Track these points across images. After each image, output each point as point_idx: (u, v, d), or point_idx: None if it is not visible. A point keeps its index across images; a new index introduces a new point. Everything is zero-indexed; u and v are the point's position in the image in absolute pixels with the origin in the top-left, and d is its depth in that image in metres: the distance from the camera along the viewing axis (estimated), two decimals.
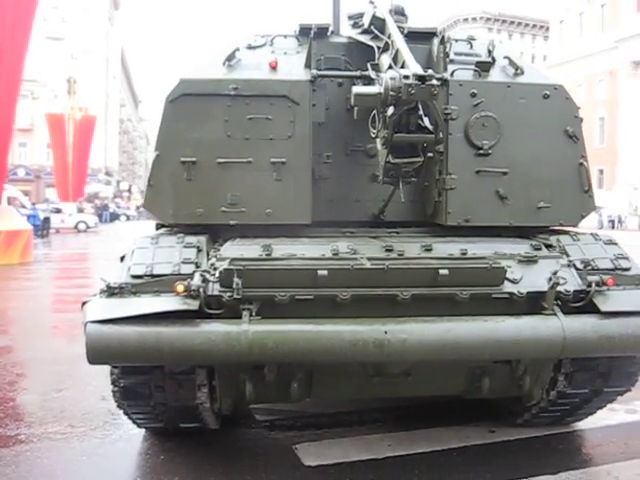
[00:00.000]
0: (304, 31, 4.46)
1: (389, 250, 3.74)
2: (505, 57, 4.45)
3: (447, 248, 3.83)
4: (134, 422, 4.23)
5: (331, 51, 4.39)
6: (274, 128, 4.07)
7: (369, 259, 3.55)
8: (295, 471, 3.96)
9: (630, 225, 40.97)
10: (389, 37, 3.95)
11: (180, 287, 3.30)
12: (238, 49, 4.24)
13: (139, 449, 4.34)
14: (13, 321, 9.61)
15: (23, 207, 26.26)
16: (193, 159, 4.02)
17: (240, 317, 3.35)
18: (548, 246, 4.08)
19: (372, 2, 4.58)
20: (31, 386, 5.92)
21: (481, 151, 4.19)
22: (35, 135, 52.92)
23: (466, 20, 71.64)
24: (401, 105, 3.32)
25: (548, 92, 4.30)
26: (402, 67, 3.47)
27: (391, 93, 3.23)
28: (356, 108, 3.55)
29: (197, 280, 3.37)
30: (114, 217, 48.23)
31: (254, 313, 3.34)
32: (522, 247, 3.97)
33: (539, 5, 59.27)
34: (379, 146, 3.76)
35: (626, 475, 3.98)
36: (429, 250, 3.79)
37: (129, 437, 4.52)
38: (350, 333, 3.34)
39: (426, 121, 3.51)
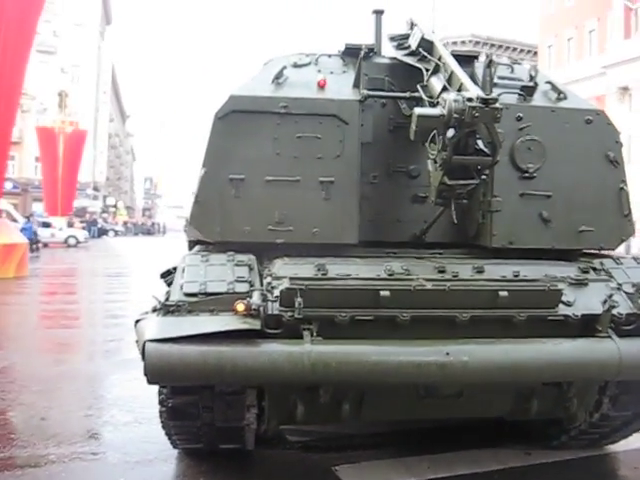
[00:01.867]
0: (349, 51, 4.49)
1: (442, 271, 3.73)
2: (547, 82, 4.50)
3: (498, 270, 3.83)
4: (172, 442, 4.17)
5: (375, 71, 4.39)
6: (323, 147, 4.07)
7: (427, 280, 3.54)
8: None
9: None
10: (439, 59, 3.98)
11: (240, 306, 3.27)
12: (285, 67, 4.24)
13: (176, 471, 4.28)
14: (18, 337, 9.48)
15: (14, 221, 25.98)
16: (241, 176, 4.00)
17: (299, 337, 3.32)
18: (593, 269, 4.10)
19: (414, 24, 4.63)
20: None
21: (526, 174, 4.23)
22: (24, 148, 52.48)
23: (455, 43, 72.23)
24: (463, 128, 3.33)
25: (591, 117, 4.35)
26: (459, 90, 3.50)
27: (454, 115, 3.25)
28: (413, 129, 3.54)
29: (257, 299, 3.34)
30: (102, 232, 47.93)
31: (315, 333, 3.31)
32: (570, 270, 3.99)
33: (527, 30, 60.19)
34: (431, 167, 3.76)
35: None
36: (481, 272, 3.79)
37: (165, 458, 4.44)
38: (412, 354, 3.33)
39: (480, 144, 3.54)
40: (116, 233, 51.57)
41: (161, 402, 3.66)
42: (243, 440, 3.95)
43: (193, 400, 3.58)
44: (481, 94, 3.29)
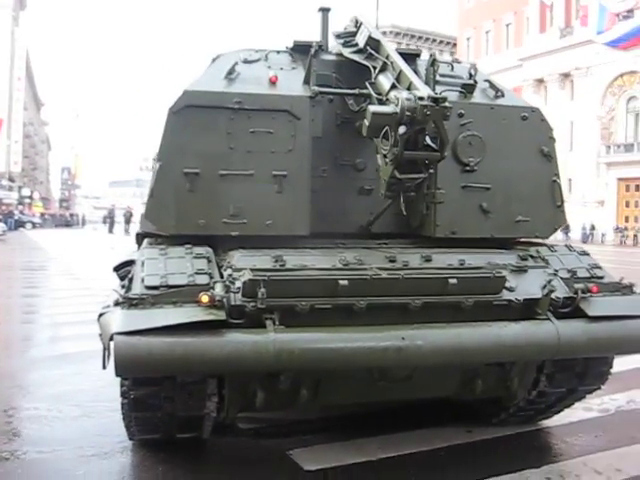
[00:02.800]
0: (298, 47, 4.60)
1: (392, 261, 3.93)
2: (485, 80, 4.74)
3: (445, 259, 4.05)
4: (130, 433, 4.21)
5: (322, 68, 4.50)
6: (275, 142, 4.18)
7: (381, 269, 3.72)
8: (298, 476, 4.07)
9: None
10: (387, 58, 4.15)
11: (205, 298, 3.35)
12: (237, 63, 4.31)
13: (134, 462, 4.31)
14: None
15: None
16: (196, 170, 4.06)
17: (261, 326, 3.44)
18: (531, 257, 4.38)
19: (358, 22, 4.79)
20: None
21: (467, 167, 4.46)
22: None
23: (398, 34, 73.13)
24: (414, 125, 3.52)
25: (526, 114, 4.63)
26: (409, 88, 3.69)
27: (407, 113, 3.43)
28: (366, 125, 3.69)
29: (220, 290, 3.43)
30: (19, 224, 46.13)
31: (277, 322, 3.44)
32: (510, 258, 4.25)
33: (446, 22, 61.61)
34: (380, 162, 3.95)
35: (601, 465, 4.32)
36: (429, 260, 4.01)
37: (121, 450, 4.46)
38: (371, 340, 3.51)
39: (428, 140, 3.75)
40: (34, 225, 49.69)
41: (123, 394, 3.70)
42: (201, 429, 4.03)
43: (155, 391, 3.63)
44: (431, 93, 3.48)
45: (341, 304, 3.57)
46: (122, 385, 3.69)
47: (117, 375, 3.31)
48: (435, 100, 3.45)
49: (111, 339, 3.27)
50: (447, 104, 3.48)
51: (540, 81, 42.05)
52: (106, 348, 3.49)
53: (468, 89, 4.56)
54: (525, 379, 4.37)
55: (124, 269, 4.37)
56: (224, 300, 3.40)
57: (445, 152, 3.80)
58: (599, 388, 4.63)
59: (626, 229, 40.40)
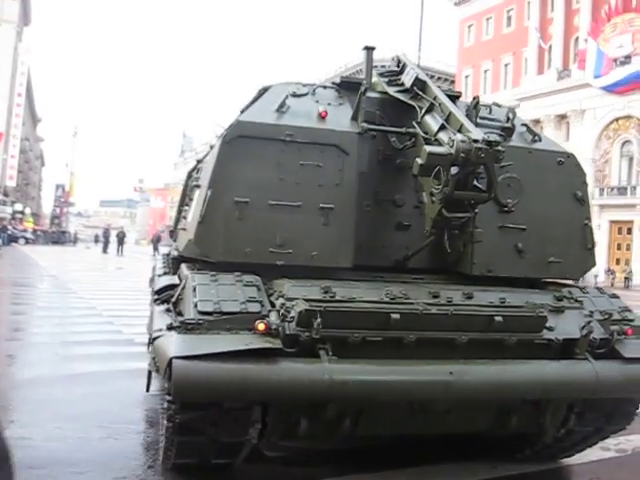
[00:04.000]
0: (345, 84, 4.75)
1: (436, 296, 4.02)
2: (523, 124, 4.90)
3: (486, 296, 4.15)
4: (166, 457, 4.23)
5: (367, 105, 4.65)
6: (324, 175, 4.29)
7: (428, 304, 3.82)
8: None
9: None
10: (434, 99, 4.29)
11: (261, 326, 3.43)
12: (288, 96, 4.44)
13: None
14: None
15: None
16: (246, 199, 4.16)
17: (313, 356, 3.51)
18: (564, 297, 4.49)
19: (400, 61, 4.95)
20: None
21: (505, 208, 4.58)
22: None
23: (375, 67, 73.74)
24: (467, 166, 3.64)
25: (562, 159, 4.79)
26: (459, 130, 3.82)
27: (461, 155, 3.56)
28: (418, 164, 3.81)
29: (275, 319, 3.51)
30: (12, 239, 45.90)
31: (330, 352, 3.51)
32: (546, 298, 4.36)
33: (445, 59, 62.49)
34: (426, 200, 4.07)
35: None
36: (470, 297, 4.11)
37: (154, 473, 4.49)
38: (421, 374, 3.60)
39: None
40: (27, 241, 49.46)
41: (169, 418, 3.74)
42: (238, 455, 4.07)
43: (201, 416, 3.67)
44: (485, 137, 3.62)
45: (391, 337, 3.66)
46: (168, 409, 3.73)
47: (175, 399, 3.35)
48: (489, 143, 3.58)
49: (169, 363, 3.32)
50: (500, 148, 3.62)
51: (537, 121, 42.62)
52: (157, 371, 3.55)
53: (507, 132, 4.70)
54: (556, 417, 4.45)
55: (166, 293, 4.45)
56: (279, 329, 3.47)
57: (493, 193, 3.92)
58: (624, 428, 4.72)
59: (614, 272, 40.61)
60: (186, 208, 6.02)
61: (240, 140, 4.18)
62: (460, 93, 5.04)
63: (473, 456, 5.06)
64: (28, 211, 78.09)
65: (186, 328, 3.49)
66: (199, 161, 7.02)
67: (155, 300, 4.73)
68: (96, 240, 60.96)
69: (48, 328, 10.64)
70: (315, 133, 4.31)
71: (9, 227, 49.15)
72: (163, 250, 40.82)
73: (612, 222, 41.72)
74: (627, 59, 39.03)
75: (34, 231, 59.33)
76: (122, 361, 8.12)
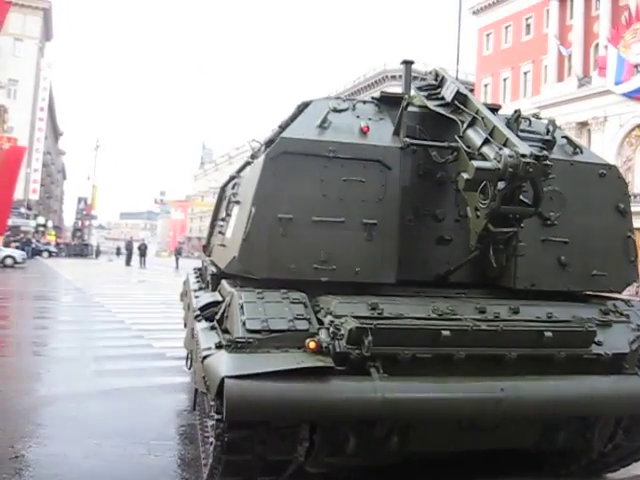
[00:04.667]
0: (384, 99, 4.75)
1: (482, 312, 3.99)
2: (563, 137, 4.86)
3: (533, 311, 4.11)
4: (210, 475, 4.22)
5: (407, 119, 4.64)
6: (367, 190, 4.28)
7: (476, 320, 3.78)
8: None
9: None
10: (477, 113, 4.27)
11: (312, 344, 3.42)
12: (329, 112, 4.44)
13: None
14: None
15: None
16: (290, 216, 4.15)
17: (363, 373, 3.49)
18: (610, 311, 4.43)
19: (438, 75, 4.93)
20: None
21: (548, 222, 4.55)
22: None
23: (394, 77, 73.93)
24: (515, 181, 3.62)
25: (604, 171, 4.75)
26: (504, 145, 3.79)
27: (509, 170, 3.53)
28: (464, 179, 3.79)
29: (326, 337, 3.50)
30: (35, 252, 46.33)
31: (380, 370, 3.49)
32: (592, 312, 4.32)
33: (464, 68, 62.37)
34: (471, 214, 4.05)
35: None
36: (517, 312, 4.06)
37: None
38: (473, 390, 3.57)
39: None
40: (50, 254, 49.89)
41: (217, 436, 3.72)
42: (284, 473, 4.05)
43: (249, 434, 3.67)
44: (533, 151, 3.59)
45: (441, 354, 3.63)
46: (217, 427, 3.72)
47: (228, 418, 3.34)
48: (537, 158, 3.56)
49: (221, 382, 3.31)
50: (548, 162, 3.59)
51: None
52: (207, 389, 3.54)
53: (548, 145, 4.65)
54: (604, 432, 4.38)
55: (209, 310, 4.45)
56: (330, 347, 3.46)
57: (539, 208, 3.88)
58: None
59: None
60: (222, 223, 6.04)
61: (284, 156, 4.19)
62: (500, 106, 5.01)
63: (516, 472, 5.00)
64: (50, 224, 78.85)
65: (236, 347, 3.49)
66: (233, 176, 7.06)
67: (196, 317, 4.73)
68: (118, 252, 61.38)
69: (78, 342, 10.70)
70: (358, 149, 4.30)
71: (33, 240, 49.65)
72: (184, 262, 40.81)
73: (636, 230, 41.22)
74: None
75: (57, 244, 59.85)
76: (155, 376, 8.14)
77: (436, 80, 5.02)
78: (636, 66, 39.65)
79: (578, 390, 3.79)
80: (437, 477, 4.84)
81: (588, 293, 4.93)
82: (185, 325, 8.69)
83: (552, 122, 4.81)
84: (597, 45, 43.51)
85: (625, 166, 41.52)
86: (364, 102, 4.80)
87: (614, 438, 4.39)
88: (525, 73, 49.90)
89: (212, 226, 8.04)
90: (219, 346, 3.60)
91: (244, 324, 3.63)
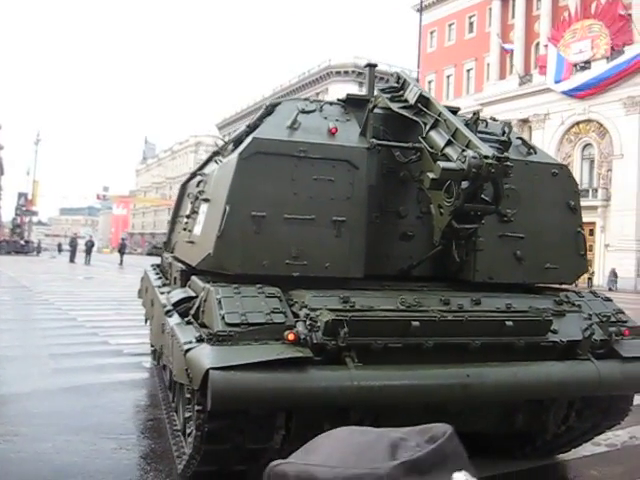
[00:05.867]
0: (350, 100, 4.94)
1: (447, 303, 4.23)
2: (518, 137, 5.16)
3: (493, 302, 4.38)
4: (188, 465, 4.34)
5: (372, 121, 4.84)
6: (335, 189, 4.47)
7: (441, 311, 4.02)
8: None
9: None
10: (439, 115, 4.50)
11: (291, 336, 3.59)
12: (298, 113, 4.61)
13: None
14: None
15: None
16: (262, 213, 4.31)
17: (338, 363, 3.68)
18: (563, 302, 4.74)
19: (400, 78, 5.15)
20: None
21: (505, 218, 4.82)
22: None
23: (338, 73, 74.39)
24: (478, 181, 3.86)
25: (556, 170, 5.06)
26: (467, 146, 4.04)
27: (473, 170, 3.77)
28: (429, 179, 4.02)
29: (303, 329, 3.67)
30: None
31: (355, 360, 3.68)
32: (547, 302, 4.61)
33: (408, 64, 63.27)
34: (434, 212, 4.29)
35: None
36: (478, 304, 4.33)
37: None
38: (440, 377, 3.80)
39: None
40: None
41: (197, 427, 3.86)
42: (259, 461, 4.20)
43: (228, 424, 3.81)
44: (496, 153, 3.84)
45: (411, 343, 3.85)
46: (197, 418, 3.85)
47: (212, 407, 3.47)
48: (498, 159, 3.81)
49: (206, 374, 3.44)
50: (508, 163, 3.85)
51: None
52: (190, 383, 3.67)
53: (505, 146, 4.92)
54: (558, 414, 4.69)
55: (183, 305, 4.57)
56: (307, 338, 3.64)
57: (499, 205, 4.14)
58: (619, 423, 4.99)
59: None
60: (186, 220, 6.14)
61: (256, 156, 4.33)
62: (459, 108, 5.27)
63: (473, 455, 5.26)
64: None
65: (217, 340, 3.63)
66: (195, 173, 7.15)
67: (167, 312, 4.84)
68: (59, 249, 59.98)
69: (31, 340, 10.57)
70: (327, 149, 4.48)
71: None
72: (127, 258, 40.20)
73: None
74: (587, 64, 40.09)
75: None
76: (115, 372, 8.17)
77: (398, 83, 5.24)
78: (575, 65, 41.04)
79: (536, 375, 4.07)
80: None
81: (541, 285, 5.25)
82: (146, 321, 8.74)
83: (508, 124, 5.09)
84: (538, 44, 44.87)
85: (565, 162, 42.89)
86: (330, 104, 4.98)
87: (567, 420, 4.70)
88: (468, 70, 51.06)
89: (173, 222, 8.11)
90: (200, 339, 3.73)
91: (223, 318, 3.76)
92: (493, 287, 4.81)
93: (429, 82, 55.47)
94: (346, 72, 72.58)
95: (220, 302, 3.90)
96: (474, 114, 4.84)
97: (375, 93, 5.19)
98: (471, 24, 51.15)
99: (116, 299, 17.48)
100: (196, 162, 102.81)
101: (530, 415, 4.56)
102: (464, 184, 3.91)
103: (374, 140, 4.57)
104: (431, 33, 54.93)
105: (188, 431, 4.37)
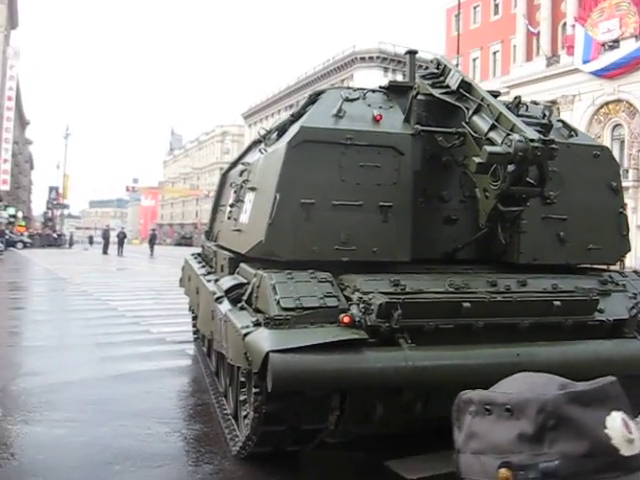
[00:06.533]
0: (393, 87, 5.03)
1: (494, 285, 4.31)
2: (559, 120, 5.19)
3: (539, 283, 4.45)
4: (243, 446, 4.50)
5: (413, 107, 4.92)
6: (382, 175, 4.56)
7: (489, 292, 4.11)
8: None
9: None
10: (482, 100, 4.56)
11: (347, 319, 3.71)
12: (343, 101, 4.70)
13: (248, 473, 4.58)
14: None
15: None
16: (312, 201, 4.42)
17: (392, 344, 3.79)
18: (607, 281, 4.79)
19: (440, 64, 5.21)
20: None
21: (547, 200, 4.87)
22: None
23: (363, 59, 74.00)
24: (524, 164, 3.93)
25: (598, 152, 5.09)
26: (512, 130, 4.10)
27: (519, 154, 3.84)
28: (476, 163, 4.08)
29: (358, 312, 3.79)
30: (10, 244, 45.79)
31: (409, 341, 3.79)
32: (591, 282, 4.67)
33: (432, 49, 62.77)
34: (479, 195, 4.36)
35: None
36: (524, 285, 4.40)
37: (232, 463, 4.75)
38: (491, 357, 3.88)
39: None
40: (24, 245, 49.37)
41: (255, 409, 4.00)
42: (313, 441, 4.35)
43: (285, 405, 3.94)
44: (541, 136, 3.90)
45: (461, 324, 3.95)
46: (255, 400, 3.99)
47: (273, 389, 3.60)
48: (544, 142, 3.87)
49: (266, 356, 3.57)
50: (554, 146, 3.90)
51: None
52: (249, 365, 3.81)
53: (546, 128, 4.96)
54: None
55: (235, 292, 4.71)
56: (361, 321, 3.75)
57: (544, 187, 4.20)
58: None
59: None
60: (230, 209, 6.28)
61: (305, 145, 4.44)
62: (499, 93, 5.31)
63: None
64: (20, 215, 77.75)
65: (274, 324, 3.76)
66: (234, 163, 7.28)
67: (217, 299, 4.99)
68: (90, 241, 60.85)
69: (76, 330, 10.86)
70: (373, 136, 4.57)
71: (7, 232, 49.07)
72: (157, 249, 40.60)
73: None
74: (615, 43, 39.34)
75: (30, 235, 59.16)
76: (160, 360, 8.38)
77: (438, 69, 5.29)
78: (603, 44, 40.32)
79: (584, 353, 4.14)
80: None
81: (583, 266, 5.30)
82: (191, 310, 8.94)
83: (548, 107, 5.15)
84: (565, 24, 44.12)
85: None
86: (373, 91, 5.06)
87: None
88: (494, 53, 50.48)
89: (214, 212, 8.26)
90: (257, 324, 3.87)
91: (278, 303, 3.89)
92: (536, 268, 4.87)
93: (455, 66, 54.96)
94: (370, 58, 72.18)
95: (274, 287, 4.02)
96: (515, 98, 4.89)
97: (416, 79, 5.26)
98: (496, 6, 50.45)
99: (153, 289, 17.79)
100: (222, 152, 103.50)
101: None
102: (510, 167, 3.97)
103: (418, 126, 4.65)
104: (456, 16, 54.33)
105: (244, 414, 4.52)
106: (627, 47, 38.64)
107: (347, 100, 4.81)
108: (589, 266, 5.33)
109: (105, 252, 41.84)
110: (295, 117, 5.04)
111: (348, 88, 5.06)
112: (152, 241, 44.94)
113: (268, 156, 4.98)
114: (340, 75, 73.68)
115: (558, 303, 4.11)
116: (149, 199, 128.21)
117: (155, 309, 13.45)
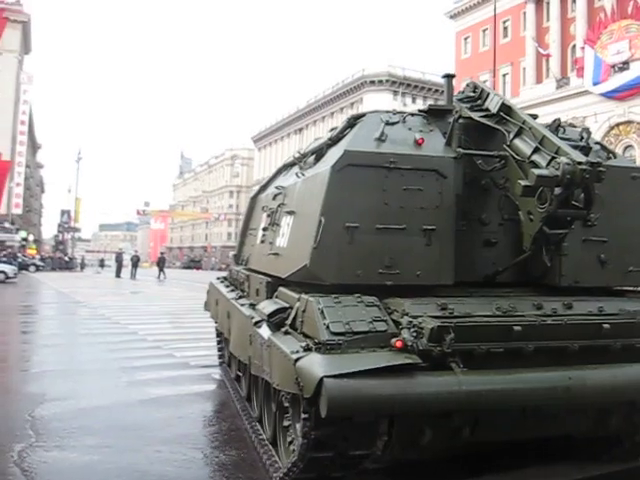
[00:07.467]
0: (432, 111, 5.05)
1: (540, 308, 4.29)
2: (596, 143, 5.19)
3: (584, 306, 4.43)
4: (288, 473, 4.44)
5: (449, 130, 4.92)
6: (425, 198, 4.57)
7: (538, 316, 4.09)
8: None
9: None
10: (523, 123, 4.57)
11: (399, 343, 3.69)
12: (384, 125, 4.72)
13: None
14: None
15: None
16: (356, 224, 4.43)
17: (443, 369, 3.77)
18: None
19: (477, 87, 5.23)
20: None
21: (588, 222, 4.85)
22: None
23: (372, 82, 74.45)
24: (572, 187, 3.92)
25: (636, 174, 5.08)
26: (556, 153, 4.10)
27: (567, 176, 3.84)
28: (522, 185, 4.08)
29: (409, 336, 3.77)
30: (22, 267, 45.98)
31: (460, 365, 3.76)
32: (636, 304, 4.63)
33: (442, 69, 63.16)
34: (523, 218, 4.36)
35: None
36: (570, 307, 4.38)
37: None
38: (544, 380, 3.87)
39: None
40: (37, 268, 49.58)
41: (304, 435, 3.96)
42: (357, 467, 4.30)
43: (334, 431, 3.91)
44: (589, 159, 3.90)
45: (512, 347, 3.93)
46: (304, 426, 3.95)
47: (328, 413, 3.56)
48: (592, 164, 3.87)
49: (320, 381, 3.55)
50: (602, 168, 3.90)
51: None
52: (300, 391, 3.78)
53: (584, 151, 4.95)
54: None
55: (277, 316, 4.69)
56: (413, 345, 3.73)
57: (590, 210, 4.19)
58: None
59: None
60: (263, 233, 6.28)
61: (348, 169, 4.46)
62: (537, 115, 5.31)
63: (561, 459, 5.29)
64: (31, 238, 78.17)
65: (326, 349, 3.74)
66: (264, 186, 7.30)
67: (256, 323, 4.98)
68: (101, 264, 61.05)
69: (100, 354, 10.80)
70: (415, 159, 4.59)
71: (19, 255, 49.31)
72: (168, 272, 40.53)
73: None
74: (625, 65, 39.48)
75: (41, 258, 59.45)
76: (187, 384, 8.34)
77: (474, 92, 5.32)
78: (613, 66, 40.47)
79: (635, 376, 4.12)
80: (484, 467, 5.10)
81: (622, 288, 5.27)
82: (218, 334, 8.92)
83: (586, 130, 5.14)
84: (574, 46, 44.32)
85: None
86: (412, 114, 5.09)
87: None
88: (504, 75, 50.70)
89: (243, 235, 8.27)
90: (307, 348, 3.85)
91: (328, 327, 3.87)
92: (576, 291, 4.84)
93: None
94: (380, 81, 72.70)
95: (322, 312, 4.00)
96: (554, 121, 4.90)
97: (453, 103, 5.29)
98: (505, 29, 50.81)
99: (170, 312, 17.80)
100: (232, 175, 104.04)
101: (623, 416, 4.58)
102: (556, 190, 3.97)
103: (460, 150, 4.65)
104: (465, 39, 54.79)
105: (289, 440, 4.47)
106: (637, 69, 38.75)
107: (388, 124, 4.84)
108: (628, 288, 5.31)
109: (118, 275, 41.98)
110: (333, 141, 5.06)
111: (387, 112, 5.08)
112: (160, 264, 44.76)
113: (308, 180, 4.99)
114: (350, 98, 74.20)
115: (607, 326, 4.11)
116: (159, 222, 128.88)
117: (175, 333, 13.44)
